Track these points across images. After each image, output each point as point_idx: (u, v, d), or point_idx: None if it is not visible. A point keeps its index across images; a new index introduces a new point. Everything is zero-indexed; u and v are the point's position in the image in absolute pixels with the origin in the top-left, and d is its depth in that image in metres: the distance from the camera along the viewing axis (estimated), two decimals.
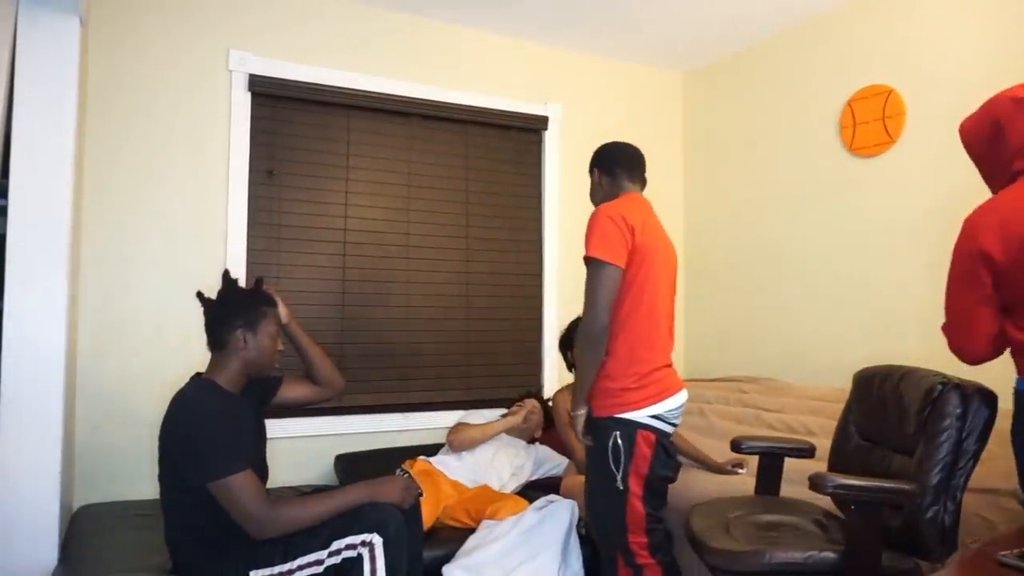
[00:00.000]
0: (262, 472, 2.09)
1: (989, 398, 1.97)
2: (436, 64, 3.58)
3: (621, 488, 2.07)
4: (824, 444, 2.44)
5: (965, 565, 1.43)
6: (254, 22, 3.19)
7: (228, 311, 2.10)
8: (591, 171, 2.36)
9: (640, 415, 2.08)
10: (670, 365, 2.21)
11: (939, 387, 2.00)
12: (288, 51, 3.24)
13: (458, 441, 3.05)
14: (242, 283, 3.03)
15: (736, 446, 2.43)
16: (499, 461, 3.05)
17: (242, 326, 2.08)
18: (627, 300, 2.10)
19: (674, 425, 2.17)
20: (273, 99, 3.24)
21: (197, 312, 3.01)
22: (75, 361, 2.71)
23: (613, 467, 2.07)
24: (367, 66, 3.41)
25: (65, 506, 2.40)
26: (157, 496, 2.79)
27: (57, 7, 2.22)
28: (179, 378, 2.94)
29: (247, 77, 3.15)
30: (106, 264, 2.89)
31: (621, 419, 2.08)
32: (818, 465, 2.37)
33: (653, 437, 2.08)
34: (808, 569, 1.89)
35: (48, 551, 2.19)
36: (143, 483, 2.85)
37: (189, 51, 3.07)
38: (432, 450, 3.16)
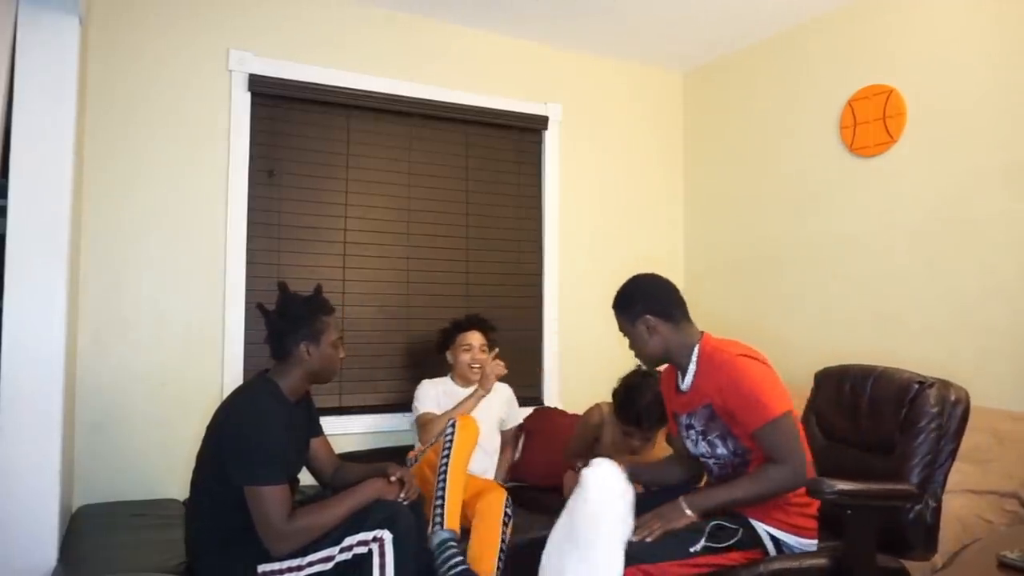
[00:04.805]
0: (294, 482, 2.12)
1: (963, 395, 1.98)
2: (436, 64, 3.58)
3: (688, 550, 1.85)
4: None
5: (967, 564, 1.43)
6: (254, 22, 3.19)
7: (289, 324, 2.11)
8: (634, 320, 2.08)
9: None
10: None
11: (915, 386, 2.00)
12: (288, 51, 3.24)
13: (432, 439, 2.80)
14: (239, 277, 3.08)
15: None
16: (487, 417, 2.94)
17: (305, 339, 2.10)
18: None
19: None
20: (273, 99, 3.24)
21: (197, 312, 3.07)
22: (75, 361, 2.71)
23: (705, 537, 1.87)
24: (367, 66, 3.40)
25: (65, 506, 2.39)
26: (156, 496, 2.85)
27: (57, 7, 2.22)
28: (179, 378, 2.99)
29: (247, 77, 3.15)
30: (106, 264, 2.89)
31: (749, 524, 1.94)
32: None
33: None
34: (805, 574, 1.87)
35: (47, 551, 2.18)
36: (143, 483, 2.86)
37: (189, 51, 3.06)
38: None
